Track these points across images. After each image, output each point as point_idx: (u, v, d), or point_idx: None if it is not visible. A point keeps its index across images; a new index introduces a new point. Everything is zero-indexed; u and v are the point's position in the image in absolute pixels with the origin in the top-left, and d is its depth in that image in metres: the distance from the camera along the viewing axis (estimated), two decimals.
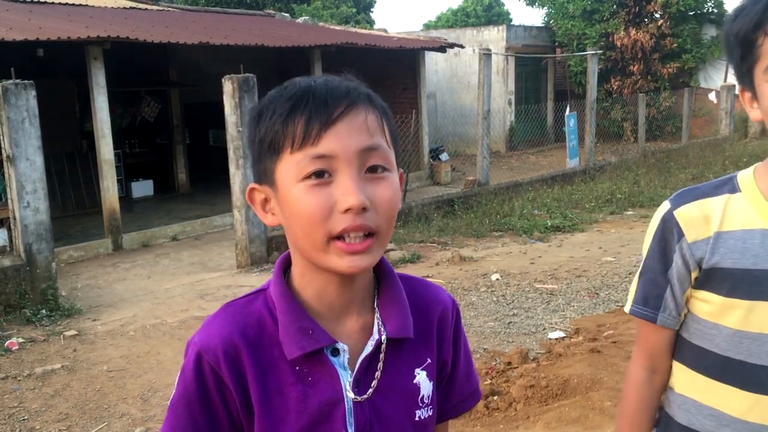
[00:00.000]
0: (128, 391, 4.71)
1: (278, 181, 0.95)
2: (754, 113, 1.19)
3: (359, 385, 0.99)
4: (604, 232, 9.05)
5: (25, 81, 6.65)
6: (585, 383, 4.10)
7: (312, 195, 0.91)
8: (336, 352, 0.99)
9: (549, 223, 9.24)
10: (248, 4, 21.80)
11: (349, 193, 0.90)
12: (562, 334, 5.32)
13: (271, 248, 8.04)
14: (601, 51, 16.33)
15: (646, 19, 17.82)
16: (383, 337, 1.01)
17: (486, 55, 11.29)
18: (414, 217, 9.60)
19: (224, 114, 7.93)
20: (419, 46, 13.74)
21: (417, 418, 1.05)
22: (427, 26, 28.14)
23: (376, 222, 0.93)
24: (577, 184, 11.94)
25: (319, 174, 0.91)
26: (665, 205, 1.28)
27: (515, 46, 17.78)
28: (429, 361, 1.07)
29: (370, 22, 24.80)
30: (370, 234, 0.93)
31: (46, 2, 12.49)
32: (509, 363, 4.71)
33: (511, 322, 5.69)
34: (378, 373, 1.01)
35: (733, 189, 1.22)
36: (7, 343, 5.58)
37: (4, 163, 6.82)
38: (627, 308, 1.36)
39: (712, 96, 17.67)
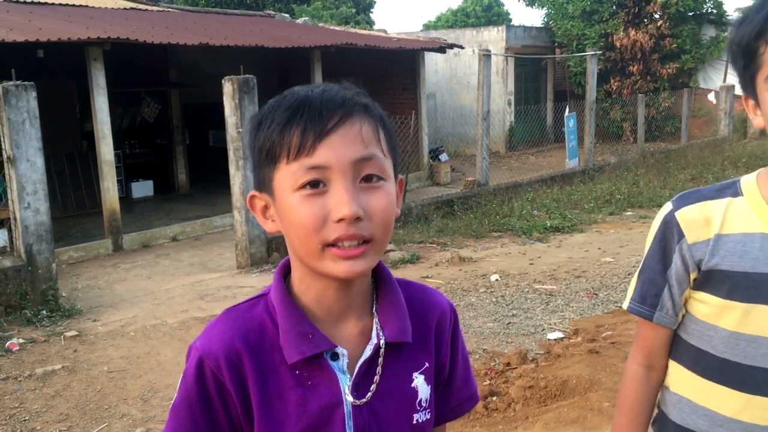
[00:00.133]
0: (128, 391, 4.72)
1: (276, 190, 0.97)
2: (757, 120, 1.20)
3: (358, 389, 1.01)
4: (603, 232, 9.07)
5: (26, 82, 6.66)
6: (583, 384, 4.12)
7: (307, 205, 0.93)
8: (335, 357, 1.01)
9: (548, 224, 9.26)
10: (248, 4, 21.80)
11: (342, 203, 0.92)
12: (560, 335, 5.34)
13: (271, 249, 8.06)
14: (600, 51, 16.35)
15: (645, 20, 17.83)
16: (382, 342, 1.03)
17: (485, 55, 11.31)
18: (413, 218, 9.61)
19: (224, 115, 7.94)
20: (419, 46, 13.75)
21: (415, 422, 1.06)
22: (427, 26, 28.15)
23: (370, 230, 0.94)
24: (576, 185, 11.96)
25: (314, 184, 0.93)
26: (667, 206, 1.30)
27: (515, 47, 17.80)
28: (427, 365, 1.08)
29: (370, 23, 24.80)
30: (365, 241, 0.95)
31: (46, 3, 12.50)
32: (508, 364, 4.72)
33: (510, 323, 5.70)
34: (377, 378, 1.02)
35: (736, 193, 1.24)
36: (7, 343, 5.60)
37: (5, 164, 6.84)
38: (625, 305, 1.38)
39: (711, 96, 17.68)
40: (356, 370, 1.02)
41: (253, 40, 10.99)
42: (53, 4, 12.56)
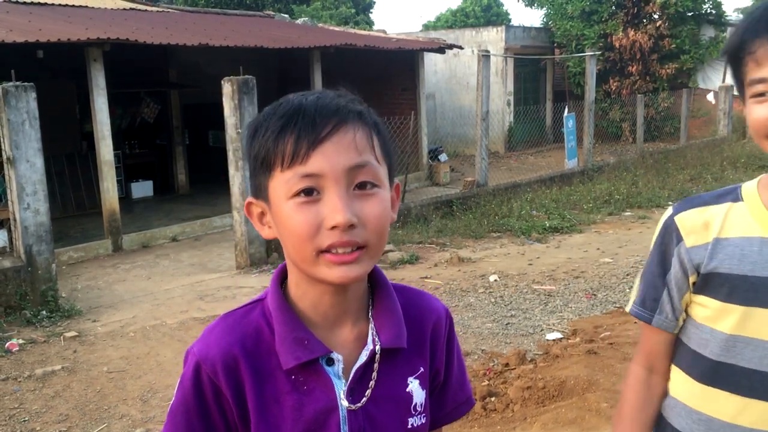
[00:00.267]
0: (128, 392, 4.73)
1: (271, 197, 0.99)
2: None
3: (353, 394, 1.02)
4: (602, 233, 9.08)
5: (25, 83, 6.67)
6: (582, 385, 4.13)
7: (301, 212, 0.94)
8: (331, 362, 1.02)
9: (547, 224, 9.27)
10: (248, 5, 21.81)
11: (335, 211, 0.93)
12: (559, 336, 5.35)
13: (271, 249, 8.07)
14: (599, 52, 16.36)
15: (644, 20, 17.83)
16: (377, 348, 1.04)
17: (485, 56, 11.32)
18: (413, 218, 9.62)
19: (224, 115, 7.95)
20: (418, 47, 13.76)
21: (410, 426, 1.07)
22: (426, 27, 28.15)
23: (364, 237, 0.95)
24: (575, 185, 11.97)
25: (307, 192, 0.94)
26: (668, 211, 1.32)
27: (514, 47, 17.80)
28: (422, 369, 1.10)
29: (370, 23, 24.81)
30: (359, 247, 0.96)
31: (46, 4, 12.51)
32: (507, 364, 4.74)
33: (508, 323, 5.72)
34: (372, 383, 1.04)
35: (736, 198, 1.25)
36: (7, 344, 5.61)
37: (5, 165, 6.85)
38: (628, 307, 1.40)
39: (710, 97, 17.69)
40: (351, 376, 1.03)
41: (252, 41, 11.00)
42: (53, 4, 12.56)
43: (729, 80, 16.83)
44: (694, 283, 1.28)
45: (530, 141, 17.07)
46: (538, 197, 10.85)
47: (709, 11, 18.04)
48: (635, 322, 5.16)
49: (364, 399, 1.03)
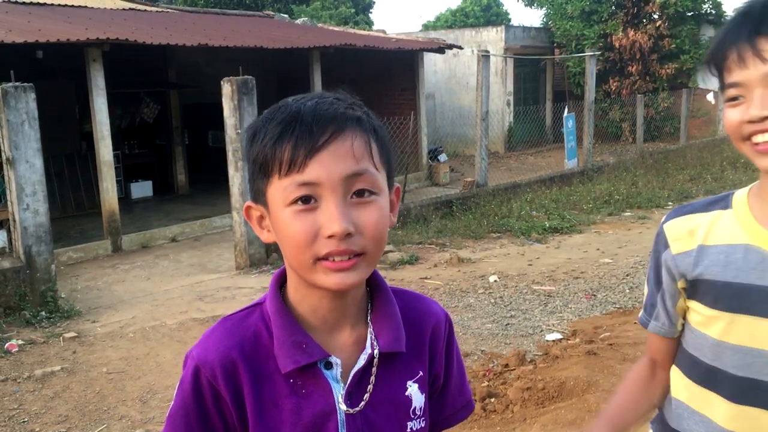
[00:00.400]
0: (127, 393, 4.73)
1: (269, 203, 0.99)
2: None
3: (351, 398, 1.02)
4: (602, 233, 9.08)
5: (25, 84, 6.67)
6: (581, 385, 4.13)
7: (298, 221, 0.94)
8: (329, 366, 1.02)
9: (547, 225, 9.26)
10: (247, 5, 21.81)
11: (332, 220, 0.93)
12: (559, 336, 5.35)
13: (270, 250, 8.07)
14: (599, 52, 16.36)
15: (644, 20, 17.84)
16: (376, 351, 1.04)
17: (484, 56, 11.32)
18: (412, 219, 9.62)
19: (223, 115, 7.95)
20: (418, 47, 13.76)
21: (409, 430, 1.07)
22: (426, 27, 28.15)
23: (361, 245, 0.95)
24: (575, 185, 11.97)
25: (305, 200, 0.94)
26: (663, 219, 1.36)
27: (514, 47, 17.81)
28: (421, 373, 1.09)
29: (369, 23, 24.81)
30: (357, 254, 0.96)
31: (45, 4, 12.51)
32: (506, 365, 4.73)
33: (508, 324, 5.71)
34: (370, 387, 1.03)
35: (726, 206, 1.26)
36: (6, 345, 5.60)
37: (4, 166, 6.85)
38: (639, 317, 1.44)
39: (710, 97, 17.70)
40: (350, 379, 1.03)
41: (252, 41, 10.99)
42: (52, 5, 12.56)
43: None
44: (684, 289, 1.29)
45: (530, 141, 17.07)
46: (537, 197, 10.85)
47: (708, 11, 18.05)
48: (635, 323, 5.16)
49: (363, 403, 1.03)
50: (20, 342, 5.71)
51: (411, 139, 11.62)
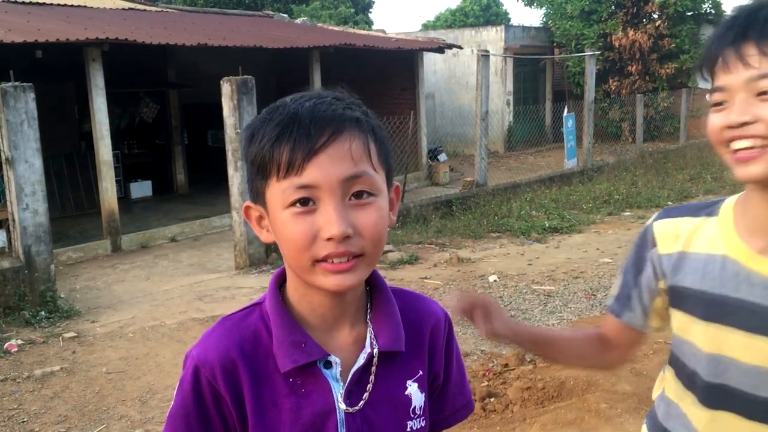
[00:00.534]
0: (127, 393, 4.73)
1: (268, 203, 0.99)
2: None
3: (351, 397, 1.02)
4: (602, 233, 9.08)
5: (24, 83, 6.67)
6: (581, 385, 4.13)
7: (297, 223, 0.94)
8: (328, 365, 1.02)
9: (547, 224, 9.26)
10: (247, 4, 21.81)
11: (331, 223, 0.93)
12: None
13: (270, 250, 8.06)
14: (599, 52, 16.36)
15: (644, 20, 17.85)
16: (375, 351, 1.04)
17: (484, 56, 11.32)
18: (412, 218, 9.62)
19: (223, 115, 7.95)
20: (417, 46, 13.76)
21: (409, 429, 1.07)
22: (426, 26, 28.15)
23: (360, 246, 0.95)
24: (574, 185, 11.97)
25: (303, 202, 0.94)
26: (653, 217, 1.36)
27: (513, 47, 17.81)
28: (421, 373, 1.09)
29: (369, 23, 24.81)
30: (356, 256, 0.96)
31: (44, 4, 12.51)
32: (506, 365, 4.73)
33: None
34: (369, 386, 1.04)
35: (712, 213, 1.26)
36: (6, 345, 5.60)
37: (3, 166, 6.84)
38: (607, 302, 1.43)
39: (709, 96, 17.68)
40: (349, 378, 1.03)
41: (251, 41, 10.99)
42: (52, 4, 12.56)
43: None
44: (664, 290, 1.30)
45: (530, 141, 17.07)
46: (537, 197, 10.85)
47: (708, 11, 18.05)
48: None
49: (362, 402, 1.03)
50: (20, 342, 5.70)
51: (411, 138, 11.62)
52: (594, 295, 6.37)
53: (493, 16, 27.57)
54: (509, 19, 28.53)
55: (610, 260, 7.57)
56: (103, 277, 7.92)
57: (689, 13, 17.83)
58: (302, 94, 1.00)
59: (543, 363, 4.72)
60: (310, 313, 1.04)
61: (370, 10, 26.74)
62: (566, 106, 13.86)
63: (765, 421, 1.17)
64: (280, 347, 1.01)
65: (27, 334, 5.92)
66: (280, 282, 1.08)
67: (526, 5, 21.20)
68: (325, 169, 0.93)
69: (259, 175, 0.98)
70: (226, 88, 7.84)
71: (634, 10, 17.78)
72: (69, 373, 5.09)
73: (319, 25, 16.22)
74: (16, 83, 6.66)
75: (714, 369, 1.21)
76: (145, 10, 14.21)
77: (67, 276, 7.90)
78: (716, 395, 1.22)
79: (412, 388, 1.08)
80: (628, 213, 10.21)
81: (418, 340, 1.11)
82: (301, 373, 1.01)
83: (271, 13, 17.60)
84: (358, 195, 0.96)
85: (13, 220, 6.74)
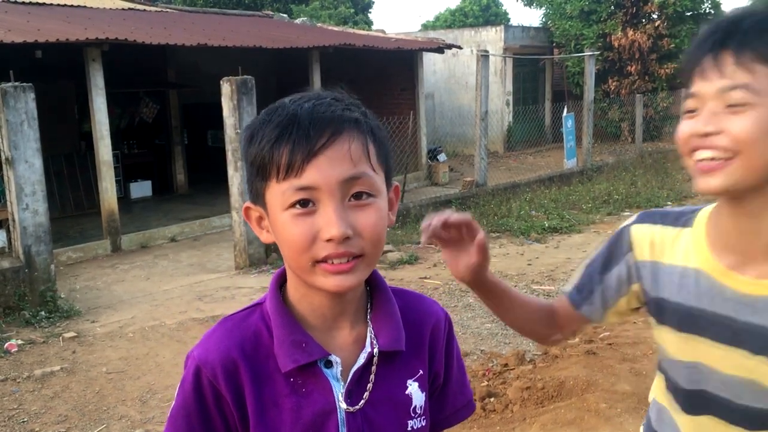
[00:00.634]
0: (127, 393, 4.73)
1: (268, 205, 0.99)
2: None
3: (351, 396, 1.03)
4: (602, 233, 9.08)
5: (24, 84, 6.67)
6: (581, 385, 4.13)
7: (296, 224, 0.95)
8: (329, 364, 1.03)
9: (546, 224, 9.27)
10: (246, 4, 21.81)
11: (330, 224, 0.93)
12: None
13: (270, 250, 8.07)
14: (598, 52, 16.36)
15: (643, 20, 17.85)
16: (375, 350, 1.05)
17: (484, 56, 11.33)
18: (412, 218, 9.62)
19: (223, 115, 7.95)
20: (417, 47, 13.77)
21: (410, 428, 1.08)
22: (425, 26, 28.16)
23: (360, 247, 0.96)
24: (574, 185, 11.97)
25: (303, 203, 0.95)
26: (630, 219, 1.35)
27: (513, 47, 17.81)
28: (421, 372, 1.10)
29: (368, 23, 24.82)
30: (355, 256, 0.96)
31: (44, 4, 12.51)
32: (506, 365, 4.74)
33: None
34: (370, 385, 1.04)
35: (688, 223, 1.25)
36: (6, 345, 5.61)
37: (3, 166, 6.85)
38: (565, 288, 1.42)
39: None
40: (349, 378, 1.03)
41: (251, 41, 10.99)
42: (51, 4, 12.56)
43: None
44: (636, 292, 1.30)
45: (529, 141, 17.07)
46: (537, 197, 10.85)
47: (707, 11, 18.06)
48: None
49: (362, 401, 1.03)
50: (20, 342, 5.71)
51: (410, 138, 11.62)
52: None
53: (493, 16, 27.57)
54: (509, 20, 28.54)
55: None
56: (103, 277, 7.93)
57: (688, 13, 17.83)
58: (301, 95, 1.01)
59: (543, 363, 4.73)
60: (311, 314, 1.04)
61: (370, 10, 26.75)
62: (566, 106, 13.87)
63: (749, 427, 1.17)
64: (281, 347, 1.01)
65: (27, 334, 5.93)
66: (281, 282, 1.08)
67: (525, 5, 21.21)
68: (324, 170, 0.94)
69: (258, 176, 0.98)
70: (226, 88, 7.84)
71: (634, 11, 17.78)
72: (69, 373, 5.09)
73: (319, 25, 16.22)
74: (16, 83, 6.66)
75: (692, 376, 1.22)
76: (144, 10, 14.22)
77: (67, 276, 7.90)
78: (697, 401, 1.23)
79: (413, 388, 1.08)
80: (628, 213, 10.20)
81: (419, 339, 1.11)
82: (302, 372, 1.01)
83: (271, 13, 17.60)
84: (358, 196, 0.96)
85: (13, 220, 6.74)
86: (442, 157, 14.46)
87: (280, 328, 1.02)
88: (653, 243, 1.27)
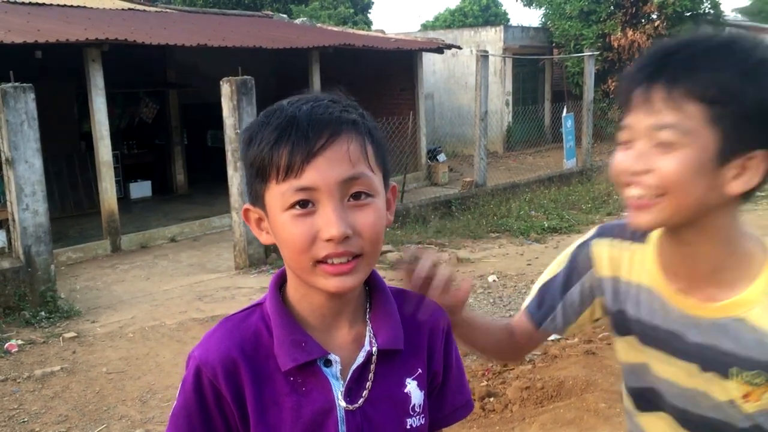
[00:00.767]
0: (127, 392, 4.74)
1: (268, 206, 1.00)
2: None
3: (351, 394, 1.04)
4: None
5: (24, 84, 6.68)
6: (580, 385, 4.14)
7: (296, 225, 0.96)
8: (328, 363, 1.04)
9: (546, 225, 9.28)
10: (246, 4, 21.82)
11: (330, 224, 0.94)
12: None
13: (269, 250, 8.07)
14: (598, 52, 16.38)
15: (642, 20, 17.86)
16: (374, 349, 1.06)
17: (483, 56, 11.34)
18: (411, 219, 9.63)
19: (222, 115, 7.96)
20: (417, 47, 13.78)
21: (408, 427, 1.09)
22: (425, 27, 28.16)
23: (359, 246, 0.97)
24: (574, 185, 11.98)
25: (302, 204, 0.96)
26: (590, 232, 1.35)
27: (512, 47, 17.82)
28: (420, 371, 1.11)
29: (368, 23, 24.83)
30: (355, 256, 0.97)
31: (44, 4, 12.51)
32: (505, 364, 4.74)
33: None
34: (369, 384, 1.05)
35: (642, 238, 1.25)
36: (6, 345, 5.61)
37: (3, 166, 6.85)
38: (523, 304, 1.42)
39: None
40: (349, 376, 1.04)
41: (251, 41, 11.00)
42: (51, 5, 12.57)
43: None
44: (601, 306, 1.32)
45: (529, 141, 17.08)
46: (536, 197, 10.86)
47: (707, 11, 18.07)
48: None
49: (362, 399, 1.04)
50: (20, 342, 5.71)
51: (410, 139, 11.63)
52: None
53: (492, 17, 27.57)
54: (508, 20, 28.53)
55: None
56: (102, 278, 7.93)
57: (688, 14, 17.84)
58: (299, 98, 1.02)
59: (542, 363, 4.74)
60: (310, 314, 1.05)
61: (369, 10, 26.75)
62: (565, 107, 13.87)
63: None
64: (281, 346, 1.03)
65: (27, 334, 5.93)
66: (280, 283, 1.10)
67: (525, 5, 21.20)
68: (323, 171, 0.95)
69: (258, 178, 1.00)
70: (226, 88, 7.85)
71: (633, 11, 17.80)
72: (69, 373, 5.10)
73: (319, 25, 16.23)
74: (16, 84, 6.67)
75: (639, 374, 1.27)
76: (144, 10, 14.22)
77: (67, 276, 7.90)
78: (648, 397, 1.27)
79: (411, 386, 1.09)
80: (627, 214, 10.20)
81: (417, 339, 1.12)
82: (302, 371, 1.02)
83: (271, 13, 17.61)
84: (357, 196, 0.97)
85: (13, 221, 6.75)
86: (441, 157, 14.46)
87: (280, 328, 1.03)
88: (612, 258, 1.28)
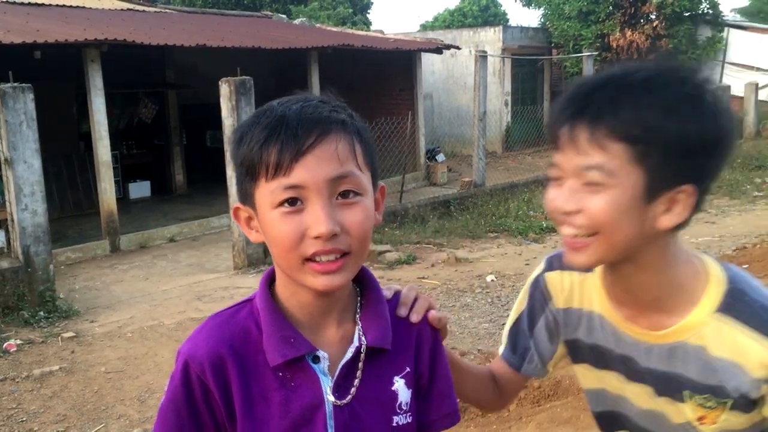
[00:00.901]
0: (126, 392, 4.75)
1: (257, 204, 1.02)
2: None
3: (339, 390, 1.05)
4: None
5: (23, 84, 6.69)
6: (577, 384, 4.14)
7: (285, 222, 0.97)
8: (317, 359, 1.05)
9: (544, 225, 9.28)
10: (245, 5, 21.83)
11: (318, 222, 0.96)
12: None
13: (268, 250, 8.08)
14: (596, 52, 16.40)
15: (641, 21, 17.88)
16: (362, 346, 1.07)
17: (482, 56, 11.35)
18: (410, 218, 9.64)
19: (221, 116, 7.96)
20: (416, 47, 13.79)
21: (395, 424, 1.10)
22: (424, 27, 28.19)
23: (347, 244, 0.99)
24: None
25: (291, 202, 0.97)
26: (540, 266, 1.35)
27: (511, 47, 17.83)
28: (408, 369, 1.12)
29: (367, 23, 24.85)
30: (343, 254, 0.99)
31: (43, 4, 12.52)
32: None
33: (505, 324, 5.72)
34: (357, 381, 1.06)
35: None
36: (5, 344, 5.62)
37: (2, 166, 6.86)
38: (499, 351, 1.42)
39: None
40: (337, 372, 1.06)
41: (250, 42, 11.01)
42: (50, 5, 12.57)
43: (726, 80, 16.90)
44: (564, 341, 1.33)
45: (528, 141, 17.09)
46: (535, 197, 10.86)
47: (706, 11, 18.08)
48: None
49: (350, 396, 1.05)
50: (19, 342, 5.72)
51: (409, 139, 11.65)
52: None
53: (492, 17, 27.60)
54: (507, 20, 28.56)
55: None
56: (101, 277, 7.94)
57: (687, 14, 17.86)
58: (289, 98, 1.04)
59: None
60: (299, 311, 1.07)
61: (369, 10, 26.78)
62: None
63: None
64: (270, 342, 1.04)
65: (26, 334, 5.94)
66: (270, 281, 1.11)
67: (524, 6, 21.23)
68: (312, 169, 0.96)
69: (248, 176, 1.01)
70: (225, 88, 7.86)
71: (632, 11, 17.81)
72: (68, 373, 5.11)
73: (318, 25, 16.24)
74: (15, 84, 6.68)
75: (600, 399, 1.30)
76: (143, 10, 14.23)
77: (66, 276, 7.91)
78: (608, 420, 1.30)
79: (399, 384, 1.10)
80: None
81: (406, 338, 1.13)
82: (290, 367, 1.04)
83: (270, 13, 17.62)
84: (345, 194, 0.99)
85: (12, 221, 6.75)
86: (440, 157, 14.48)
87: (269, 325, 1.05)
88: (563, 289, 1.29)
